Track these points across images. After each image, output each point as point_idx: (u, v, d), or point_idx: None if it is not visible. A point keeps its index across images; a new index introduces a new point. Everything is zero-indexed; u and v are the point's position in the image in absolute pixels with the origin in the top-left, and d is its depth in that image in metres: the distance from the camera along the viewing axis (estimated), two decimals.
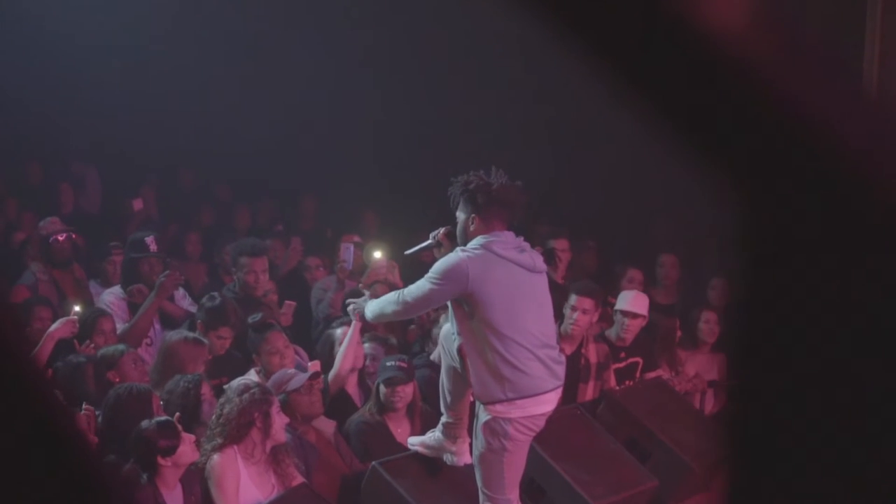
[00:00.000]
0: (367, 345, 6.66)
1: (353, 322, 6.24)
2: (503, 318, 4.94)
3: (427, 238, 5.44)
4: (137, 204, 9.85)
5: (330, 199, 10.92)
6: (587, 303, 6.92)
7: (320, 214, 10.89)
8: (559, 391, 5.18)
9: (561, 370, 5.14)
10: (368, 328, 6.70)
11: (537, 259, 5.18)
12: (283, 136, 11.22)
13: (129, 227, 9.23)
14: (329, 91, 11.31)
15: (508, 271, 5.00)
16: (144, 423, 4.83)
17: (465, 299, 4.98)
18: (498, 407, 4.98)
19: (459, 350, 5.09)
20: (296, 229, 10.21)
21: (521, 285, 5.04)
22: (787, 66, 0.88)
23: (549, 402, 5.10)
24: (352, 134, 11.38)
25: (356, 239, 8.14)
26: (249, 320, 6.35)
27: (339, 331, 6.63)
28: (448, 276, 4.94)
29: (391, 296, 5.25)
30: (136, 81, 11.06)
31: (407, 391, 6.08)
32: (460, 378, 5.17)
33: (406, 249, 6.79)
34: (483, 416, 5.05)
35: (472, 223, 5.06)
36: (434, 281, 4.98)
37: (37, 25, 10.44)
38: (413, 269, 6.41)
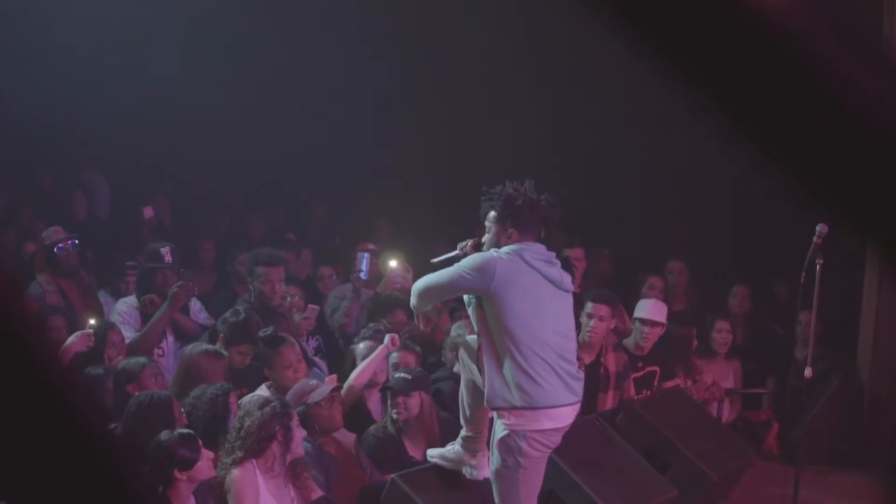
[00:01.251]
0: (394, 354, 6.58)
1: (385, 343, 6.27)
2: (523, 327, 4.91)
3: (451, 248, 5.41)
4: (148, 212, 9.82)
5: (339, 207, 10.90)
6: (603, 310, 6.89)
7: (329, 222, 10.86)
8: (576, 408, 5.11)
9: (578, 386, 5.09)
10: (406, 346, 6.64)
11: (566, 277, 5.15)
12: (292, 143, 11.19)
13: (141, 236, 9.21)
14: (339, 98, 11.29)
15: (534, 281, 4.98)
16: (165, 434, 4.76)
17: (486, 302, 4.95)
18: (511, 419, 4.93)
19: (478, 356, 5.05)
20: (306, 238, 10.18)
21: (545, 297, 5.01)
22: (816, 34, 0.85)
23: (563, 418, 5.04)
24: (361, 140, 11.36)
25: (371, 247, 8.09)
26: (261, 334, 6.26)
27: (361, 345, 6.61)
28: (477, 268, 4.95)
29: (424, 279, 5.25)
30: (144, 90, 11.03)
31: (409, 403, 6.01)
32: (480, 392, 5.13)
33: (420, 255, 6.78)
34: (499, 432, 5.01)
35: (510, 237, 5.05)
36: (463, 270, 4.99)
37: (46, 38, 10.43)
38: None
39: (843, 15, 0.85)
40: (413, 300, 5.27)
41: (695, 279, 9.19)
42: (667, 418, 6.85)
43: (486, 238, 5.18)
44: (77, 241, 7.57)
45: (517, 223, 5.04)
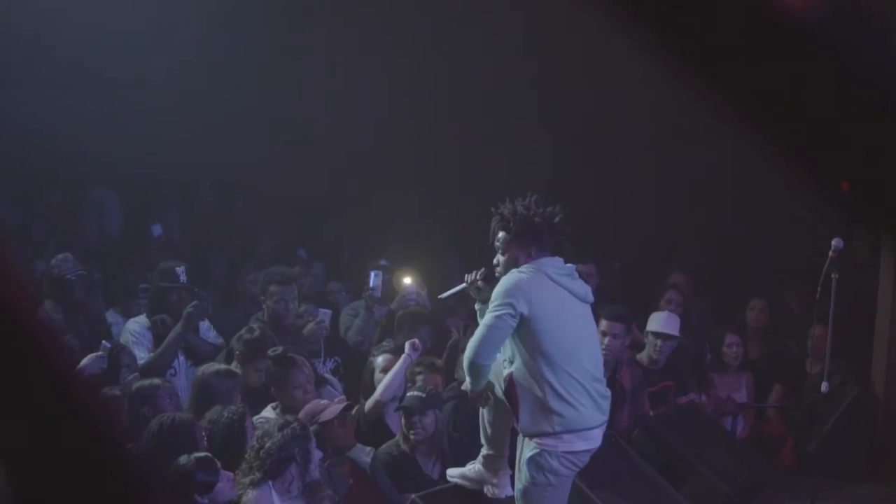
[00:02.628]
0: (420, 376, 6.51)
1: (405, 354, 6.21)
2: (557, 348, 4.84)
3: (458, 280, 5.34)
4: (157, 230, 9.79)
5: (347, 220, 10.87)
6: (618, 328, 6.85)
7: (339, 236, 10.83)
8: (604, 427, 5.09)
9: (606, 405, 5.06)
10: (430, 365, 6.58)
11: (588, 290, 5.11)
12: (301, 156, 11.17)
13: (150, 253, 9.17)
14: (348, 109, 11.28)
15: (561, 297, 4.92)
16: (183, 459, 4.75)
17: (522, 325, 4.84)
18: (545, 440, 4.91)
19: (508, 378, 4.98)
20: (315, 252, 10.14)
21: (573, 313, 4.95)
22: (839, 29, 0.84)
23: (595, 439, 5.02)
24: (370, 152, 11.35)
25: (383, 262, 8.06)
26: (270, 353, 6.21)
27: (380, 358, 6.56)
28: (510, 294, 4.82)
29: (466, 352, 5.03)
30: (148, 102, 11.01)
31: (425, 422, 5.96)
32: (503, 411, 5.09)
33: (431, 271, 6.75)
34: (528, 450, 4.96)
35: (532, 255, 4.97)
36: (498, 308, 4.82)
37: (50, 53, 10.42)
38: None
39: (863, 14, 0.84)
40: (469, 378, 5.03)
41: (699, 291, 9.16)
42: (682, 434, 6.83)
43: (499, 260, 5.06)
44: (85, 273, 7.49)
45: (538, 241, 4.96)
